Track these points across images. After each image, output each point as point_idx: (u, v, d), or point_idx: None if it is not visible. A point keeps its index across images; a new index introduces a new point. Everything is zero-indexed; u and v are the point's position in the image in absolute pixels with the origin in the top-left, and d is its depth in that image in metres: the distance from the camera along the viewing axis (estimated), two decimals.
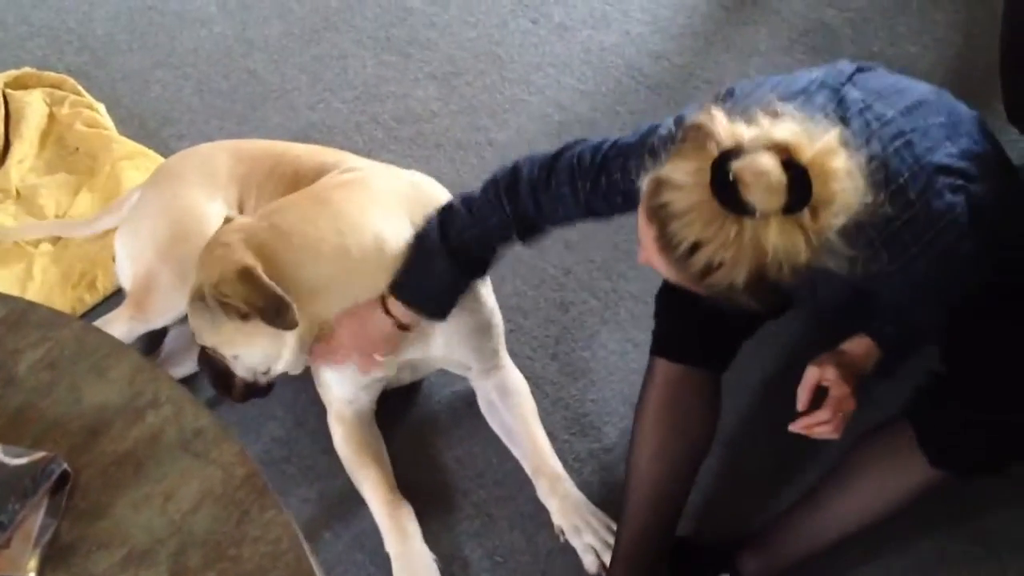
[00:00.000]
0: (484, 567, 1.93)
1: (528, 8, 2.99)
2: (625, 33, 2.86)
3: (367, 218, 1.89)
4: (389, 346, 1.90)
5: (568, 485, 1.95)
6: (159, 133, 2.90)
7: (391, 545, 1.93)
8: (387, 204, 1.95)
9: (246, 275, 1.77)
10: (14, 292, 2.54)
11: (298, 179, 2.14)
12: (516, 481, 2.02)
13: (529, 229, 1.75)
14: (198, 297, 1.87)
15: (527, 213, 1.71)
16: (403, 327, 1.85)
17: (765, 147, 1.27)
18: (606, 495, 1.97)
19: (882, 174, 1.41)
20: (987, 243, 1.51)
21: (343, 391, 2.04)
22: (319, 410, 2.17)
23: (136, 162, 2.78)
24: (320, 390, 2.09)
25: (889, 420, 1.68)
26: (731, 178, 1.26)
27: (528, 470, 2.00)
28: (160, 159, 2.76)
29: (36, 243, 2.66)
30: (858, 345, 1.66)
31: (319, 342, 1.91)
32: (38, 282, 2.58)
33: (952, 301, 1.60)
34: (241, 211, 2.19)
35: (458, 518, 2.01)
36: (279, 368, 1.94)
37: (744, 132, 1.30)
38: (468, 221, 1.75)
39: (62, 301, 2.53)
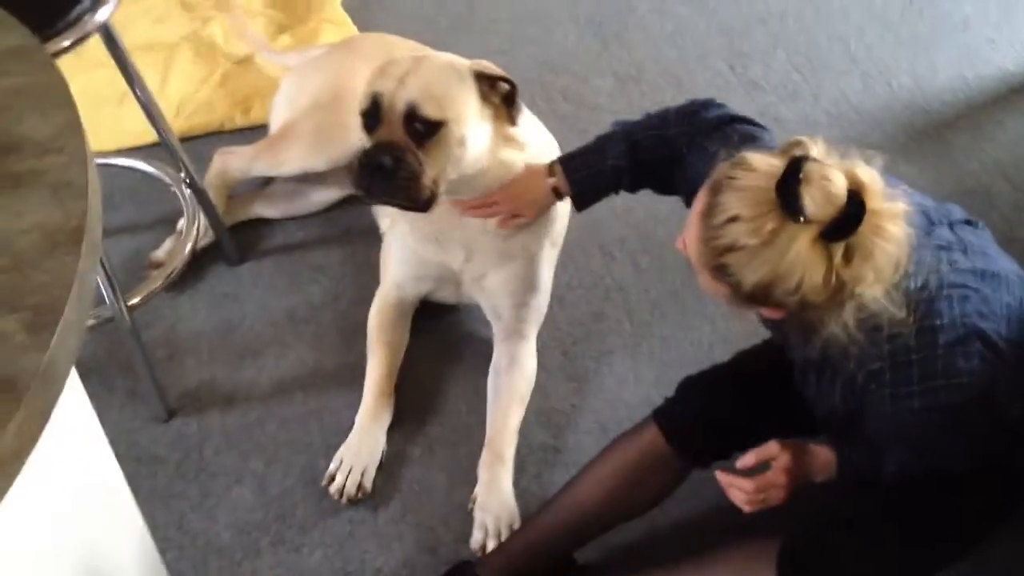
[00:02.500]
0: (402, 488, 2.10)
1: (734, 54, 3.07)
2: (804, 116, 2.90)
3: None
4: (536, 210, 2.04)
5: (504, 471, 2.06)
6: (372, 17, 3.17)
7: (361, 418, 2.12)
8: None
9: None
10: (190, 87, 2.89)
11: None
12: (470, 438, 2.17)
13: (678, 160, 1.82)
14: (450, 68, 1.93)
15: (684, 143, 1.82)
16: (557, 195, 1.99)
17: (845, 172, 1.36)
18: (529, 489, 2.08)
19: (924, 308, 1.44)
20: (983, 432, 1.52)
21: (399, 273, 2.25)
22: (359, 295, 2.39)
23: (337, 28, 3.08)
24: (382, 263, 2.32)
25: (765, 531, 1.72)
26: (800, 175, 1.33)
27: (486, 436, 2.13)
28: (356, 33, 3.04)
29: (229, 56, 2.99)
30: (823, 454, 1.67)
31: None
32: (211, 84, 2.91)
33: (921, 467, 1.60)
34: None
35: (405, 439, 2.18)
36: (467, 166, 1.93)
37: (835, 159, 1.40)
38: (653, 123, 1.89)
39: (221, 109, 2.84)
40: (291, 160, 2.45)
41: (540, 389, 2.23)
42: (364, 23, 3.11)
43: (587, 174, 1.93)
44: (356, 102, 2.31)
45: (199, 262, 2.47)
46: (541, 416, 2.21)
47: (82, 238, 0.95)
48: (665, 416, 1.85)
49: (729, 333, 2.30)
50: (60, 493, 1.17)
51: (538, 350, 2.24)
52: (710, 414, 1.82)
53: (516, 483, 2.07)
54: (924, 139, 2.84)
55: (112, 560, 1.34)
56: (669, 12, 3.23)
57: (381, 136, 1.87)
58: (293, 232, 2.58)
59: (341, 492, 2.05)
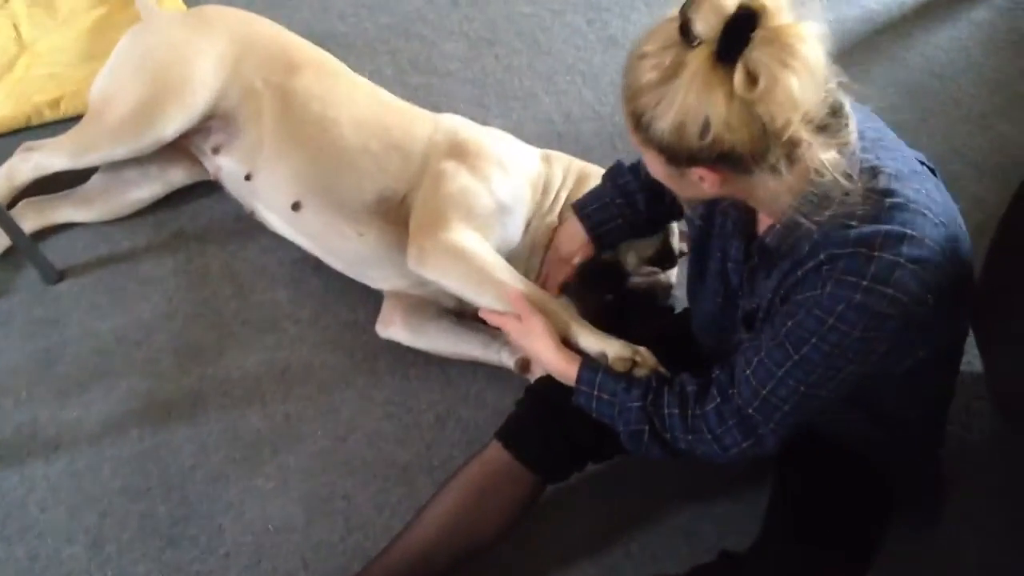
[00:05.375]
0: (256, 530, 1.92)
1: (591, 8, 2.89)
2: None
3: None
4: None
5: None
6: None
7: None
8: None
9: None
10: None
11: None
12: (329, 467, 2.00)
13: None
14: None
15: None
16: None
17: None
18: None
19: (897, 213, 1.32)
20: (871, 370, 1.40)
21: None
22: (195, 311, 2.17)
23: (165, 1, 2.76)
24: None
25: None
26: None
27: None
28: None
29: (34, 40, 2.66)
30: (554, 356, 1.68)
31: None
32: (15, 76, 2.59)
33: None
34: (232, 88, 2.16)
35: (253, 472, 1.99)
36: None
37: None
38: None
39: (23, 104, 2.52)
40: (92, 148, 2.18)
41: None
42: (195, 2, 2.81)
43: (597, 207, 1.91)
44: (187, 85, 2.11)
45: (9, 284, 2.20)
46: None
47: None
48: (508, 430, 1.76)
49: None
50: None
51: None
52: (556, 422, 1.73)
53: None
54: None
55: None
56: None
57: None
58: (116, 239, 2.32)
59: None
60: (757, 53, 1.20)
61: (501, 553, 1.81)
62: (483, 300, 1.87)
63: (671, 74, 1.24)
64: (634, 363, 1.66)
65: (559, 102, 2.66)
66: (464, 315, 2.11)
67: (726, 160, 1.28)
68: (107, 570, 1.84)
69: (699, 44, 1.22)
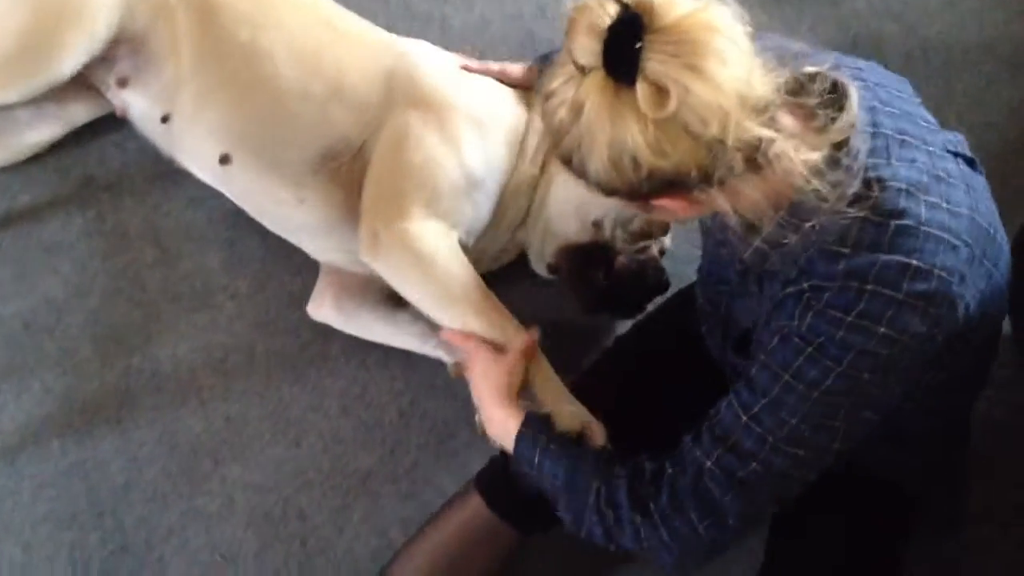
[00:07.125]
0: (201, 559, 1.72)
1: None
2: None
3: None
4: None
5: None
6: None
7: None
8: None
9: None
10: None
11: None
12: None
13: None
14: None
15: None
16: None
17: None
18: None
19: (901, 239, 1.11)
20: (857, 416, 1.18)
21: None
22: (114, 285, 1.88)
23: None
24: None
25: None
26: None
27: None
28: None
29: None
30: (504, 410, 1.41)
31: None
32: None
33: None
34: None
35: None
36: None
37: None
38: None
39: None
40: None
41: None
42: None
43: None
44: (86, 6, 1.72)
45: None
46: None
47: None
48: (489, 484, 1.55)
49: None
50: None
51: None
52: None
53: None
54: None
55: None
56: None
57: None
58: (14, 192, 1.96)
59: None
60: (654, 63, 1.00)
61: None
62: (438, 317, 1.59)
63: (577, 109, 1.05)
64: (580, 435, 1.42)
65: None
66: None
67: (677, 185, 1.08)
68: None
69: (590, 71, 1.03)
